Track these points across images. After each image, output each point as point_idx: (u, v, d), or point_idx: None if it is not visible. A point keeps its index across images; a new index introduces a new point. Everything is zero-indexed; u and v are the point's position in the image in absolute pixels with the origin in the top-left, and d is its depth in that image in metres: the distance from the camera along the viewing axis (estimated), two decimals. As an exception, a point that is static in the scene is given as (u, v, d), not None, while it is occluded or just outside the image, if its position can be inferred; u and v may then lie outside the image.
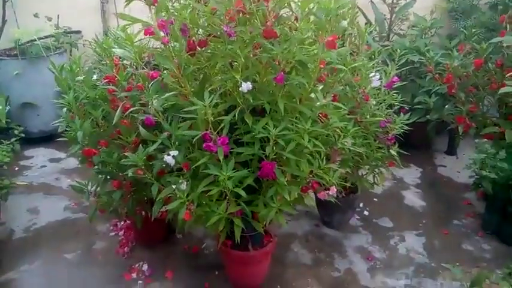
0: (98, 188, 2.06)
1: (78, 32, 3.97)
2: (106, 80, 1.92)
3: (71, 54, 3.87)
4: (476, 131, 2.52)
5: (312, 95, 1.66)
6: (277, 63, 1.54)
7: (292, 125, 1.58)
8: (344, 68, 1.69)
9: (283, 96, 1.60)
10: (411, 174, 3.27)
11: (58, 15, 3.78)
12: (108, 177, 2.04)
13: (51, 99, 3.66)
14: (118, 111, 1.82)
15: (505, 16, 2.38)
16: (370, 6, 3.63)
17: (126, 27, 2.00)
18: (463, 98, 2.48)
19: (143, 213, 2.20)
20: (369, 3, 3.63)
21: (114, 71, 1.96)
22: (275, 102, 1.58)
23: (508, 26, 2.39)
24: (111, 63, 1.99)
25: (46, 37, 3.68)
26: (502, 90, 1.92)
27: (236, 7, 1.46)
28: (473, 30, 2.69)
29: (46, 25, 3.72)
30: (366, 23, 3.64)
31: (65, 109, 2.06)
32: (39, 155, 3.59)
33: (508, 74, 1.98)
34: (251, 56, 1.56)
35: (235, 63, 1.52)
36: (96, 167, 2.00)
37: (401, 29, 3.67)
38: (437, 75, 2.84)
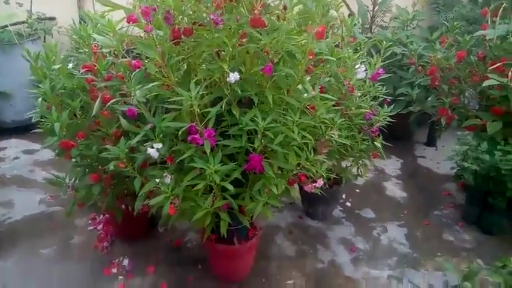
0: (76, 182, 1.98)
1: (53, 18, 3.82)
2: (85, 70, 1.84)
3: (44, 41, 3.72)
4: (458, 123, 2.54)
5: (299, 87, 1.63)
6: (265, 53, 1.49)
7: (280, 116, 1.54)
8: (333, 58, 1.66)
9: (270, 88, 1.56)
10: (392, 165, 3.29)
11: (31, 1, 3.61)
12: (87, 170, 1.97)
13: (25, 88, 3.54)
14: (97, 102, 1.75)
15: (487, 10, 2.40)
16: (353, -3, 3.61)
17: (105, 13, 1.93)
18: (446, 90, 2.49)
19: (123, 207, 2.14)
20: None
21: (92, 59, 1.88)
22: (262, 93, 1.55)
23: (489, 19, 2.41)
24: (90, 51, 1.91)
25: (18, 23, 3.53)
26: (486, 82, 1.94)
27: (223, -6, 1.41)
28: (455, 22, 2.70)
29: (18, 11, 3.56)
30: (349, 15, 3.63)
31: (40, 99, 1.97)
32: (12, 147, 3.45)
33: (492, 67, 1.99)
34: (237, 45, 1.51)
35: (223, 52, 1.47)
36: (74, 160, 1.92)
37: (383, 21, 3.67)
38: (420, 67, 2.85)
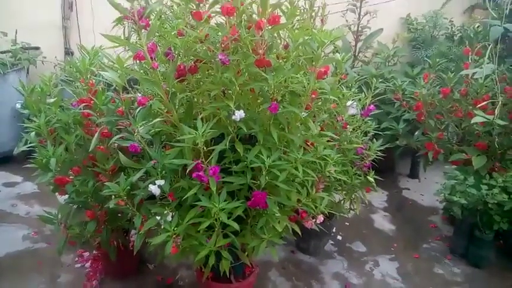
0: (69, 219, 1.92)
1: (37, 48, 3.78)
2: (82, 104, 1.82)
3: (28, 72, 3.67)
4: (444, 157, 2.63)
5: (297, 124, 1.66)
6: (269, 92, 1.52)
7: (284, 153, 1.56)
8: (335, 98, 1.70)
9: (272, 125, 1.58)
10: (378, 197, 3.33)
11: (16, 30, 3.58)
12: (81, 206, 1.92)
13: (5, 119, 3.45)
14: (95, 137, 1.73)
15: (469, 49, 2.52)
16: (337, 33, 3.73)
17: (103, 48, 1.93)
18: (433, 125, 2.58)
19: (115, 243, 2.08)
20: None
21: (89, 94, 1.86)
22: (265, 130, 1.56)
23: (470, 58, 2.54)
24: (87, 85, 1.89)
25: (2, 52, 3.47)
26: (474, 119, 2.02)
27: (231, 35, 1.44)
28: (438, 60, 2.82)
29: (2, 41, 3.51)
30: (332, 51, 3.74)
31: (33, 133, 1.92)
32: (-8, 179, 3.33)
33: (479, 105, 2.08)
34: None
35: (229, 91, 1.49)
36: (68, 196, 1.87)
37: (365, 56, 3.80)
38: (404, 102, 2.95)
